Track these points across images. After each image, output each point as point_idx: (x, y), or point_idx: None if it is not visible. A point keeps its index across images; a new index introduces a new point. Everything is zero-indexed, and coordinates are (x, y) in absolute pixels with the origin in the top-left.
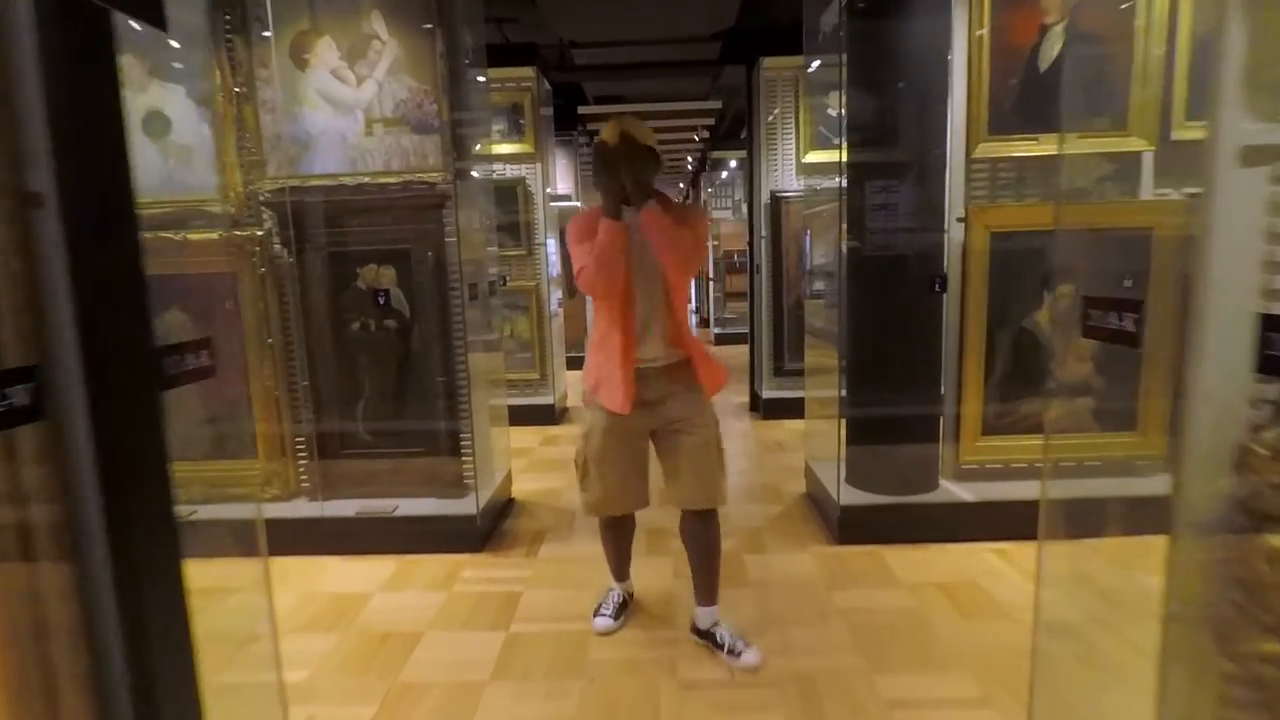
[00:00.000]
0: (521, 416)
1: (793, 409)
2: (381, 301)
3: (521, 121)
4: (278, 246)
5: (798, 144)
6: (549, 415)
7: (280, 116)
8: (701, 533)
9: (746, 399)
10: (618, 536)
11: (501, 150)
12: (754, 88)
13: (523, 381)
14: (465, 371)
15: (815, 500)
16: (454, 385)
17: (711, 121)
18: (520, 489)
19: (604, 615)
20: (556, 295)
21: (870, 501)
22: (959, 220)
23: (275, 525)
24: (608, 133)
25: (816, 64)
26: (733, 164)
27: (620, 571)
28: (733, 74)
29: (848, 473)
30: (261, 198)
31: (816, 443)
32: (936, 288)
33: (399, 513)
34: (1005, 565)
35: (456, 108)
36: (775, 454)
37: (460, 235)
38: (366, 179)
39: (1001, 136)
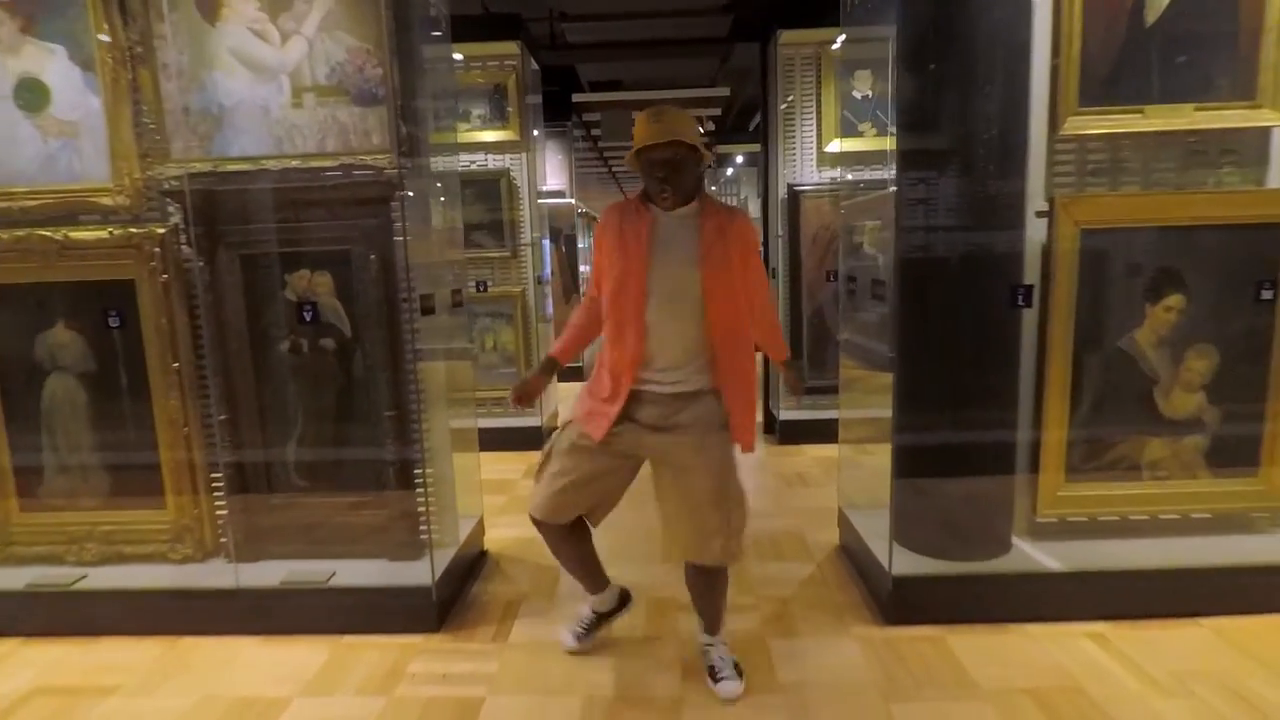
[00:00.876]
0: (503, 441)
1: (815, 432)
2: (308, 317)
3: (507, 107)
4: (185, 247)
5: (819, 131)
6: (535, 440)
7: (185, 84)
8: (704, 588)
9: (760, 418)
10: (561, 544)
11: (483, 138)
12: (769, 67)
13: (507, 400)
14: (419, 403)
15: (853, 557)
16: (406, 420)
17: (718, 112)
18: (495, 537)
19: (573, 630)
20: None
21: (928, 570)
22: (1039, 215)
23: (181, 598)
24: (651, 129)
25: (842, 39)
26: (739, 159)
27: (593, 583)
28: (744, 55)
29: (896, 526)
30: (164, 186)
31: (853, 482)
32: (1020, 301)
33: (335, 581)
34: (1109, 658)
35: (409, 74)
36: (798, 490)
37: (413, 233)
38: (295, 162)
39: (1096, 109)
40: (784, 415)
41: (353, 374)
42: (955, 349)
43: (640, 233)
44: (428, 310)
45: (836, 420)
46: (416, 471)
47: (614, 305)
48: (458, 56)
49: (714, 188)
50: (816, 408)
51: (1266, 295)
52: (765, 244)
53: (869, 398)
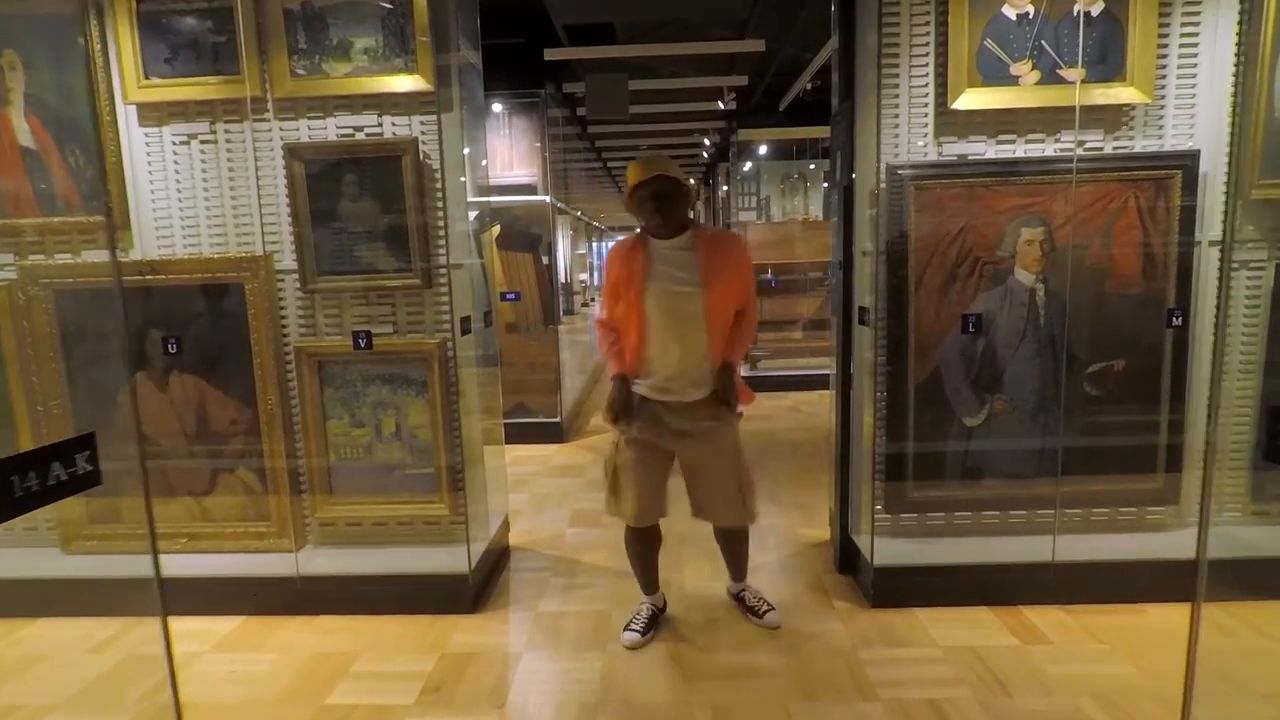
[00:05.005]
0: (406, 599)
1: (932, 586)
2: None
3: (412, 35)
4: None
5: (940, 77)
6: (457, 596)
7: None
8: (733, 544)
9: (825, 536)
10: (645, 549)
11: (372, 87)
12: None
13: (420, 520)
14: None
15: None
16: None
17: (744, 81)
18: None
19: (633, 630)
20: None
21: None
22: None
23: None
24: (640, 170)
25: None
26: (762, 150)
27: (649, 584)
28: None
29: None
30: None
31: None
32: None
33: None
34: None
35: None
36: None
37: None
38: None
39: None
40: (881, 558)
41: None
42: None
43: (639, 260)
44: None
45: (977, 567)
46: None
47: (622, 325)
48: None
49: (726, 187)
50: (929, 532)
51: None
52: (845, 266)
53: None
